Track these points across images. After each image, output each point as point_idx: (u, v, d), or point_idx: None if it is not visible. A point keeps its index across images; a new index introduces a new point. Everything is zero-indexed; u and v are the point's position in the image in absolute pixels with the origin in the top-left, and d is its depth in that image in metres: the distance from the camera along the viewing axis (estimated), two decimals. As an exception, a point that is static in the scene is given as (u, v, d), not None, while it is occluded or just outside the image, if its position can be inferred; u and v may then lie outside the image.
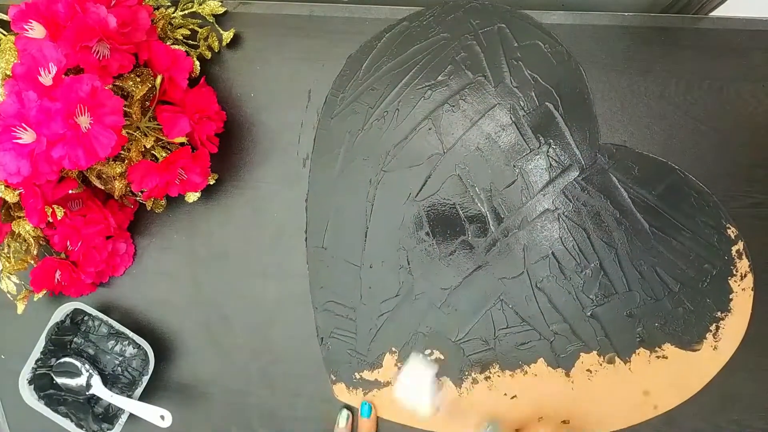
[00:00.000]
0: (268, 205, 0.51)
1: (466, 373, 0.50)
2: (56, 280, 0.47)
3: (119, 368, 0.49)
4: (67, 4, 0.38)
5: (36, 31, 0.39)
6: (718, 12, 0.50)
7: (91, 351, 0.49)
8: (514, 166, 0.49)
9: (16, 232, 0.45)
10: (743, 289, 0.48)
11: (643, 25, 0.50)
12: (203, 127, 0.46)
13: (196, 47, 0.51)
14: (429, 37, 0.50)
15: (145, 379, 0.48)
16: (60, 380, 0.48)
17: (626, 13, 0.50)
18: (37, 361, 0.47)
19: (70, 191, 0.44)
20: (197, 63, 0.50)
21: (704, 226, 0.48)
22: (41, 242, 0.47)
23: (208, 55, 0.51)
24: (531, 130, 0.49)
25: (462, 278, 0.49)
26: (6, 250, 0.47)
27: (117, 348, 0.50)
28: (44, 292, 0.47)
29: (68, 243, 0.46)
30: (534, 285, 0.49)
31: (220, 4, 0.51)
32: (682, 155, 0.49)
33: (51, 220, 0.43)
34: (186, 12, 0.50)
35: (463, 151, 0.50)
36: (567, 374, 0.49)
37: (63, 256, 0.48)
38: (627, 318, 0.49)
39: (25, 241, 0.46)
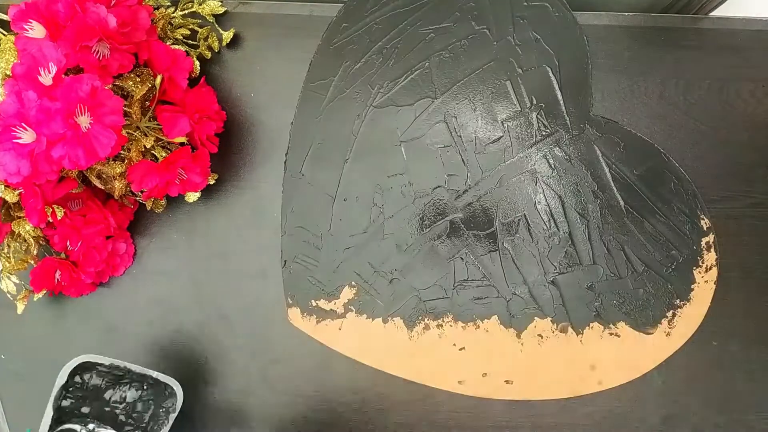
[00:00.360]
0: (268, 205, 0.51)
1: (419, 318, 0.50)
2: (56, 280, 0.47)
3: (122, 416, 0.47)
4: (67, 4, 0.38)
5: (36, 31, 0.39)
6: (718, 12, 0.50)
7: (85, 410, 0.46)
8: (502, 123, 0.49)
9: (16, 232, 0.45)
10: (706, 282, 0.49)
11: (643, 25, 0.50)
12: (203, 127, 0.46)
13: (196, 47, 0.51)
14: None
15: (173, 417, 0.46)
16: None
17: (626, 13, 0.50)
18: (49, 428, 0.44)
19: (70, 191, 0.45)
20: (197, 63, 0.50)
21: (679, 212, 0.49)
22: (41, 242, 0.47)
23: (208, 55, 0.51)
24: (525, 90, 0.49)
25: (432, 225, 0.50)
26: (6, 250, 0.47)
27: (116, 397, 0.47)
28: (44, 292, 0.47)
29: (68, 243, 0.46)
30: (501, 243, 0.49)
31: (220, 4, 0.51)
32: (682, 155, 0.49)
33: (51, 220, 0.44)
34: (186, 12, 0.50)
35: (455, 100, 0.50)
36: (518, 335, 0.49)
37: (63, 256, 0.48)
38: (587, 291, 0.49)
39: (25, 241, 0.46)
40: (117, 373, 0.46)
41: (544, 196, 0.49)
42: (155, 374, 0.46)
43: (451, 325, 0.50)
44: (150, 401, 0.47)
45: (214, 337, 0.52)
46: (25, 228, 0.44)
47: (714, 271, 0.49)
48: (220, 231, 0.52)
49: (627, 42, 0.50)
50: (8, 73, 0.41)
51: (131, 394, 0.47)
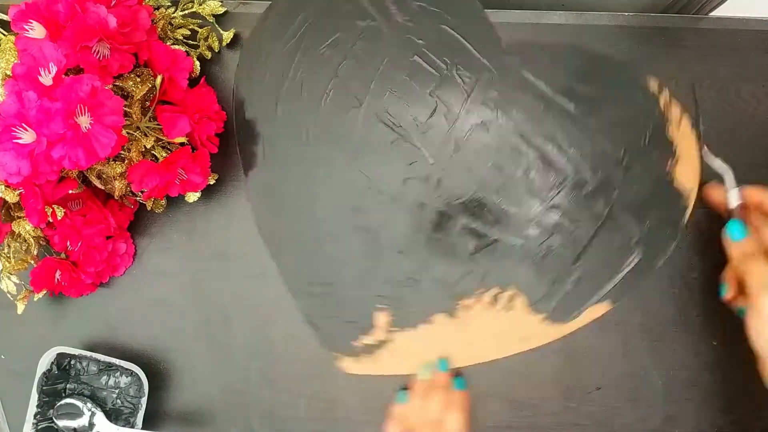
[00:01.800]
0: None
1: (456, 302, 0.50)
2: (56, 280, 0.47)
3: (118, 401, 0.49)
4: (67, 4, 0.38)
5: (36, 31, 0.39)
6: (718, 12, 0.50)
7: (86, 393, 0.49)
8: (431, 95, 0.49)
9: (16, 232, 0.45)
10: (683, 134, 0.49)
11: (643, 25, 0.50)
12: (203, 127, 0.46)
13: (196, 47, 0.51)
14: (311, 1, 0.50)
15: (144, 401, 0.48)
16: (61, 423, 0.47)
17: (626, 13, 0.50)
18: (35, 415, 0.47)
19: (70, 191, 0.44)
20: (197, 63, 0.50)
21: (625, 88, 0.49)
22: (41, 242, 0.47)
23: (208, 55, 0.51)
24: (434, 56, 0.49)
25: (420, 215, 0.50)
26: (6, 250, 0.47)
27: (111, 382, 0.49)
28: (44, 292, 0.47)
29: (68, 243, 0.46)
30: (489, 199, 0.49)
31: (220, 4, 0.51)
32: (682, 155, 0.49)
33: (51, 220, 0.44)
34: (186, 12, 0.50)
35: (379, 98, 0.50)
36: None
37: (63, 256, 0.48)
38: (590, 197, 0.49)
39: (25, 241, 0.46)
40: (106, 363, 0.49)
41: (502, 138, 0.49)
42: (120, 362, 0.48)
43: (488, 292, 0.49)
44: (138, 386, 0.49)
45: (214, 337, 0.52)
46: (25, 228, 0.44)
47: (685, 121, 0.49)
48: (220, 231, 0.52)
49: (627, 42, 0.50)
50: (8, 73, 0.41)
51: (124, 381, 0.49)
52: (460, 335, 0.50)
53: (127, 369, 0.48)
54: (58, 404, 0.47)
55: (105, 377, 0.49)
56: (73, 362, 0.49)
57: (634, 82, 0.49)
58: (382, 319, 0.50)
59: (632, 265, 0.49)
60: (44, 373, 0.47)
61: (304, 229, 0.50)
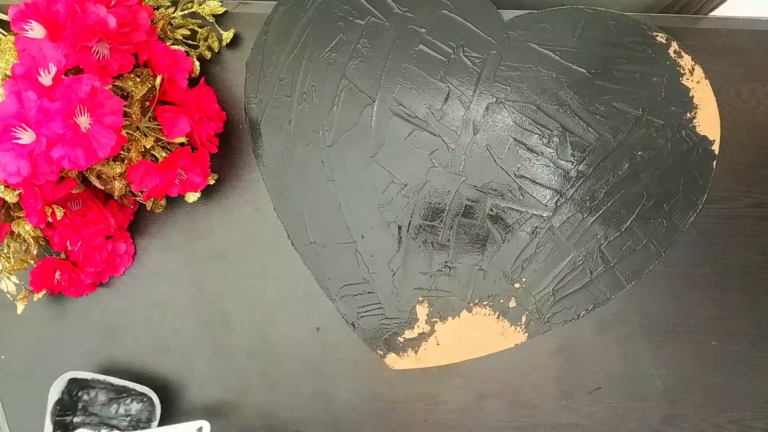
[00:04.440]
0: (268, 205, 0.51)
1: (499, 286, 0.50)
2: (56, 280, 0.47)
3: (130, 427, 0.48)
4: (67, 4, 0.38)
5: (36, 31, 0.39)
6: (718, 12, 0.50)
7: (96, 424, 0.48)
8: (441, 81, 0.50)
9: (16, 232, 0.45)
10: (698, 82, 0.49)
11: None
12: (203, 127, 0.46)
13: (196, 47, 0.51)
14: (308, 8, 0.50)
15: (155, 425, 0.48)
16: None
17: (626, 13, 0.50)
18: None
19: (70, 191, 0.45)
20: (197, 63, 0.50)
21: (634, 45, 0.49)
22: (41, 242, 0.47)
23: (208, 55, 0.51)
24: (439, 41, 0.49)
25: (448, 203, 0.50)
26: (6, 250, 0.47)
27: (121, 410, 0.49)
28: (44, 292, 0.47)
29: (68, 243, 0.46)
30: (515, 176, 0.49)
31: (220, 4, 0.51)
32: (682, 155, 0.49)
33: (51, 220, 0.43)
34: (186, 12, 0.50)
35: (390, 92, 0.50)
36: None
37: (63, 256, 0.48)
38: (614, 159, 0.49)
39: (25, 241, 0.46)
40: (118, 387, 0.48)
41: (520, 113, 0.49)
42: (133, 385, 0.48)
43: (534, 270, 0.50)
44: (150, 410, 0.48)
45: (214, 337, 0.52)
46: (25, 228, 0.44)
47: (699, 70, 0.49)
48: (220, 231, 0.52)
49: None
50: (8, 73, 0.41)
51: (135, 407, 0.49)
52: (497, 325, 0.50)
53: (140, 393, 0.48)
54: None
55: (115, 406, 0.49)
56: (80, 394, 0.48)
57: (640, 37, 0.49)
58: (422, 311, 0.50)
59: (663, 229, 0.49)
60: (56, 402, 0.47)
61: (333, 231, 0.50)
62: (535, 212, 0.49)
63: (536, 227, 0.49)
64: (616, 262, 0.49)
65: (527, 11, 0.49)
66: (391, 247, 0.50)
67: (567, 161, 0.49)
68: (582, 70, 0.49)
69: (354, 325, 0.50)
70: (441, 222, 0.50)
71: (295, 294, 0.51)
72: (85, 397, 0.48)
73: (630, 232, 0.49)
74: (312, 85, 0.50)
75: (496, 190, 0.49)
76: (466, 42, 0.49)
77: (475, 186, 0.49)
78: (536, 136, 0.49)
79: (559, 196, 0.49)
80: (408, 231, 0.50)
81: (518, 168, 0.49)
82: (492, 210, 0.49)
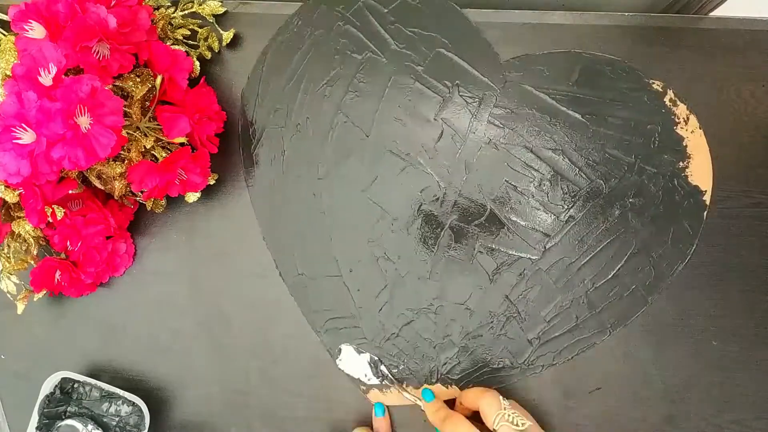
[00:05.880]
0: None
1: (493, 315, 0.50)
2: (56, 280, 0.47)
3: (117, 428, 0.49)
4: (67, 4, 0.38)
5: (36, 31, 0.39)
6: (718, 12, 0.50)
7: (87, 416, 0.49)
8: (435, 119, 0.49)
9: (16, 232, 0.45)
10: (692, 132, 0.49)
11: (643, 25, 0.50)
12: (203, 127, 0.46)
13: (196, 47, 0.51)
14: (306, 41, 0.50)
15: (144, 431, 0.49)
16: None
17: (626, 13, 0.50)
18: None
19: (70, 191, 0.45)
20: (197, 63, 0.50)
21: (630, 91, 0.49)
22: (41, 242, 0.47)
23: (208, 55, 0.51)
24: (434, 80, 0.49)
25: (437, 242, 0.50)
26: (6, 250, 0.47)
27: (112, 409, 0.49)
28: (44, 292, 0.47)
29: (68, 243, 0.46)
30: (505, 218, 0.49)
31: (220, 4, 0.51)
32: (682, 155, 0.49)
33: (51, 220, 0.44)
34: (186, 12, 0.50)
35: (384, 127, 0.50)
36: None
37: (63, 256, 0.48)
38: (604, 202, 0.49)
39: (25, 241, 0.46)
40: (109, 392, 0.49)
41: (512, 154, 0.49)
42: (123, 393, 0.48)
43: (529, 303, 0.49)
44: (139, 416, 0.49)
45: (214, 337, 0.52)
46: (25, 228, 0.44)
47: (693, 120, 0.49)
48: (220, 231, 0.52)
49: (627, 42, 0.50)
50: (8, 73, 0.41)
51: (125, 410, 0.49)
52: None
53: (129, 399, 0.48)
54: (58, 425, 0.47)
55: (107, 404, 0.49)
56: (76, 386, 0.49)
57: (637, 84, 0.49)
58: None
59: (651, 278, 0.49)
60: (47, 396, 0.47)
61: (322, 264, 0.50)
62: (523, 254, 0.49)
63: (524, 269, 0.49)
64: (602, 309, 0.49)
65: (524, 54, 0.49)
66: (378, 282, 0.50)
67: (558, 205, 0.49)
68: (576, 114, 0.49)
69: (336, 354, 0.50)
70: (430, 259, 0.50)
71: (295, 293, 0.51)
72: (81, 390, 0.49)
73: (617, 279, 0.49)
74: (307, 117, 0.50)
75: (485, 230, 0.49)
76: (462, 81, 0.49)
77: (464, 225, 0.49)
78: (528, 178, 0.49)
79: (548, 239, 0.49)
80: (396, 266, 0.50)
81: (509, 209, 0.49)
82: (481, 250, 0.49)
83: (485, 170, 0.49)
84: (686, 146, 0.49)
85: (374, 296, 0.50)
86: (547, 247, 0.49)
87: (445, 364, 0.50)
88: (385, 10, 0.50)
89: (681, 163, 0.49)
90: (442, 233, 0.50)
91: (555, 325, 0.49)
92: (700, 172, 0.49)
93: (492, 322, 0.49)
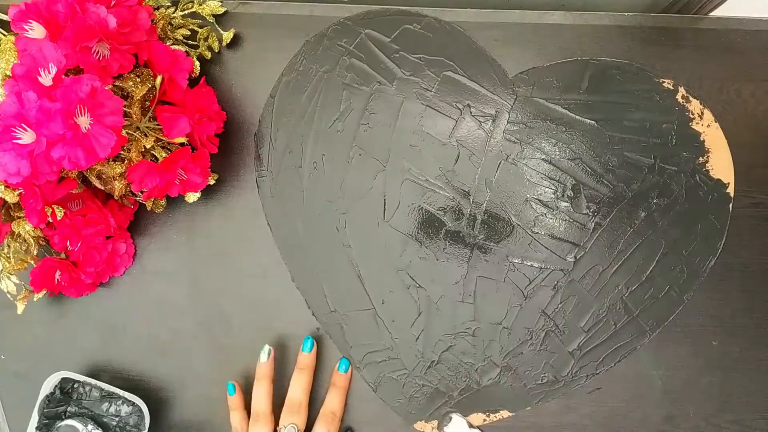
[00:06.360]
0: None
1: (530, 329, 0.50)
2: (56, 280, 0.47)
3: (117, 428, 0.49)
4: (67, 4, 0.38)
5: (36, 31, 0.39)
6: (718, 12, 0.50)
7: (87, 416, 0.49)
8: (451, 142, 0.50)
9: (16, 232, 0.45)
10: (708, 126, 0.49)
11: (643, 25, 0.50)
12: (203, 127, 0.46)
13: (196, 47, 0.51)
14: (312, 79, 0.50)
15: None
16: None
17: (626, 13, 0.50)
18: None
19: (70, 191, 0.45)
20: (197, 63, 0.50)
21: (641, 93, 0.49)
22: (41, 242, 0.47)
23: (208, 55, 0.51)
24: (446, 103, 0.50)
25: (466, 263, 0.49)
26: (6, 250, 0.47)
27: (112, 409, 0.49)
28: (44, 292, 0.47)
29: (68, 243, 0.46)
30: (532, 232, 0.49)
31: (220, 4, 0.51)
32: (682, 155, 0.49)
33: (51, 221, 0.43)
34: (186, 12, 0.50)
35: (400, 156, 0.50)
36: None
37: (63, 256, 0.48)
38: (628, 213, 0.49)
39: (25, 241, 0.46)
40: (109, 392, 0.49)
41: (531, 168, 0.49)
42: (123, 393, 0.48)
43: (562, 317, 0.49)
44: (139, 416, 0.49)
45: (214, 337, 0.52)
46: (25, 228, 0.44)
47: (708, 114, 0.49)
48: (220, 231, 0.52)
49: (627, 42, 0.50)
50: (8, 73, 0.41)
51: (125, 410, 0.49)
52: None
53: (129, 400, 0.48)
54: (58, 425, 0.47)
55: (107, 404, 0.49)
56: (76, 386, 0.49)
57: (647, 84, 0.49)
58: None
59: (684, 276, 0.49)
60: (47, 396, 0.47)
61: (353, 298, 0.50)
62: (554, 267, 0.49)
63: (557, 282, 0.49)
64: (639, 312, 0.49)
65: (532, 68, 0.50)
66: (412, 311, 0.50)
67: (583, 214, 0.49)
68: (591, 121, 0.49)
69: (375, 388, 0.50)
70: (461, 282, 0.50)
71: (295, 294, 0.51)
72: (81, 389, 0.49)
73: (651, 281, 0.49)
74: (322, 154, 0.50)
75: (514, 246, 0.49)
76: (473, 101, 0.49)
77: (492, 244, 0.49)
78: (550, 190, 0.49)
79: (577, 249, 0.49)
80: (428, 293, 0.50)
81: (535, 223, 0.49)
82: (512, 267, 0.49)
83: (506, 187, 0.49)
84: (704, 141, 0.49)
85: (409, 325, 0.50)
86: (577, 257, 0.49)
87: (489, 385, 0.50)
88: (388, 40, 0.50)
89: (701, 159, 0.49)
90: (471, 254, 0.49)
91: (594, 334, 0.49)
92: (721, 165, 0.49)
93: (531, 338, 0.49)
